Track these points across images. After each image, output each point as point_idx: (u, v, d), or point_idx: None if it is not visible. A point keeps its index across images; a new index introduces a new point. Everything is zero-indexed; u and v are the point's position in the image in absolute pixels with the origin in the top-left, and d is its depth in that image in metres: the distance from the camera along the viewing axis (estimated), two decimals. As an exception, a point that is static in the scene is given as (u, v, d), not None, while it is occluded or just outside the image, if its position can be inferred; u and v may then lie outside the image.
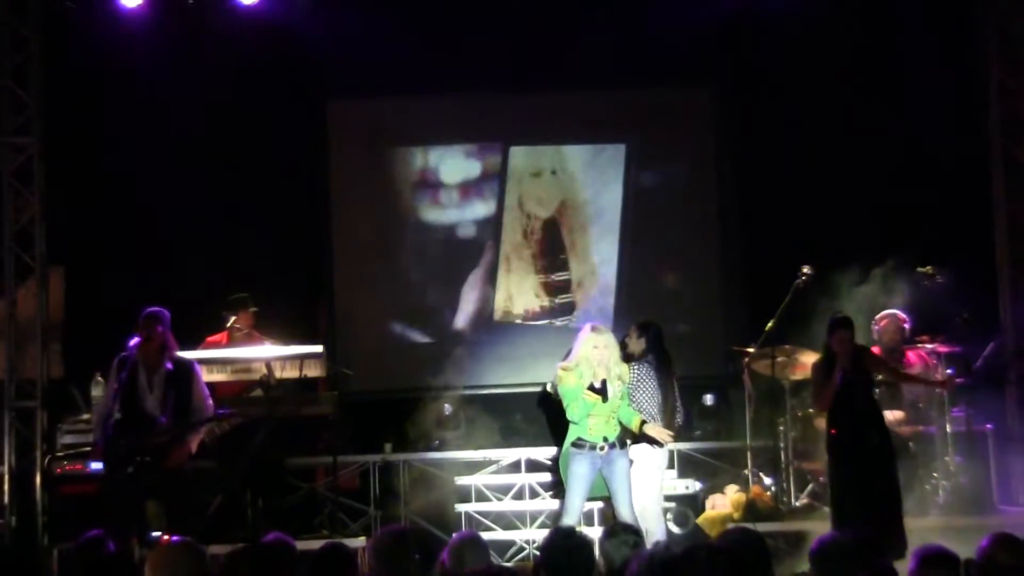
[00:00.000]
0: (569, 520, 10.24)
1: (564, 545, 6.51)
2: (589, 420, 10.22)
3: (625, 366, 10.38)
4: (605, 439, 10.23)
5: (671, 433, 10.64)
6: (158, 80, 13.93)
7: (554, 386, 11.07)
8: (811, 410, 12.24)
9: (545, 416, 12.49)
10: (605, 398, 10.07)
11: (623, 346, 11.37)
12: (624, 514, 10.21)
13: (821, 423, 11.72)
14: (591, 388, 10.12)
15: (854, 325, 11.18)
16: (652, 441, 10.58)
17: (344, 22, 13.90)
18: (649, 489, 10.89)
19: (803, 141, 14.14)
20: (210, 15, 13.41)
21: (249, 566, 5.98)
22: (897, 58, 13.60)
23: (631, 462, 10.42)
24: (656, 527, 10.66)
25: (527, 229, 15.45)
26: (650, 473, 10.92)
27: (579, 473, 10.26)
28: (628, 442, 10.37)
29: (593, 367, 10.13)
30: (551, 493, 12.72)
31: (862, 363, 11.09)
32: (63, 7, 13.01)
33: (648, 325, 11.24)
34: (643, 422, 10.36)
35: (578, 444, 10.28)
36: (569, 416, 10.28)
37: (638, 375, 10.88)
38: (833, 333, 10.94)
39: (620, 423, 10.29)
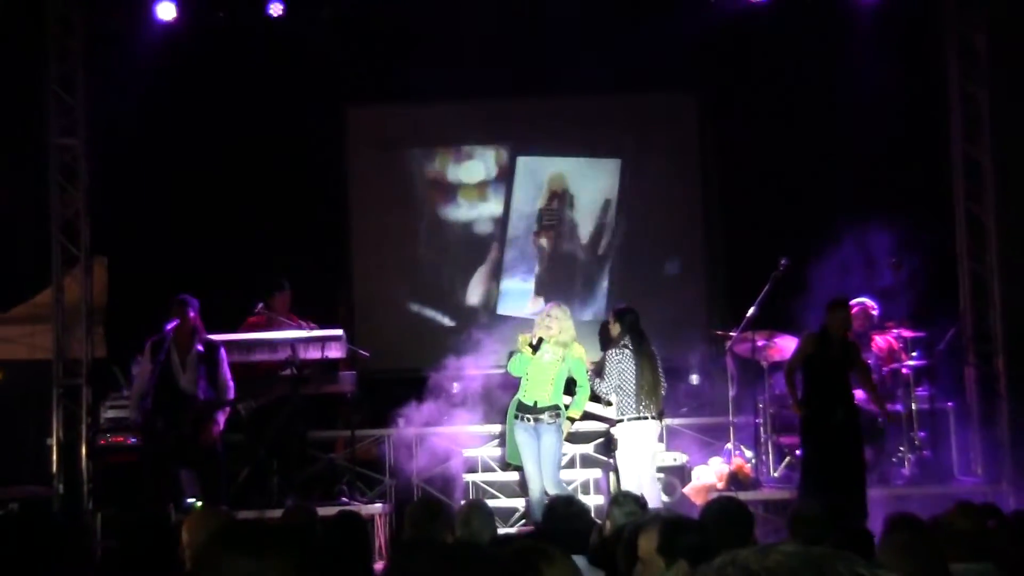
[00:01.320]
0: (534, 489, 10.41)
1: (565, 512, 6.61)
2: (525, 382, 10.47)
3: (579, 346, 10.61)
4: (536, 403, 10.40)
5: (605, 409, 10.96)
6: (191, 85, 13.89)
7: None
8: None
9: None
10: (534, 352, 10.27)
11: (605, 332, 11.53)
12: (548, 487, 10.36)
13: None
14: (529, 345, 10.33)
15: (849, 307, 11.29)
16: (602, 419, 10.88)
17: (361, 34, 13.93)
18: (645, 461, 11.02)
19: (780, 143, 14.10)
20: (239, 28, 13.42)
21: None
22: (868, 67, 13.62)
23: (562, 440, 10.69)
24: (653, 495, 10.78)
25: (530, 226, 15.48)
26: (647, 446, 11.04)
27: (521, 442, 10.48)
28: (559, 418, 10.58)
29: (537, 330, 10.39)
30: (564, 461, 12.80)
31: (849, 350, 11.18)
32: (105, 21, 13.04)
33: (624, 311, 11.32)
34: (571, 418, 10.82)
35: (516, 415, 10.50)
36: (509, 368, 10.61)
37: (619, 358, 10.99)
38: (831, 312, 11.05)
39: (560, 399, 10.54)
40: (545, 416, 10.45)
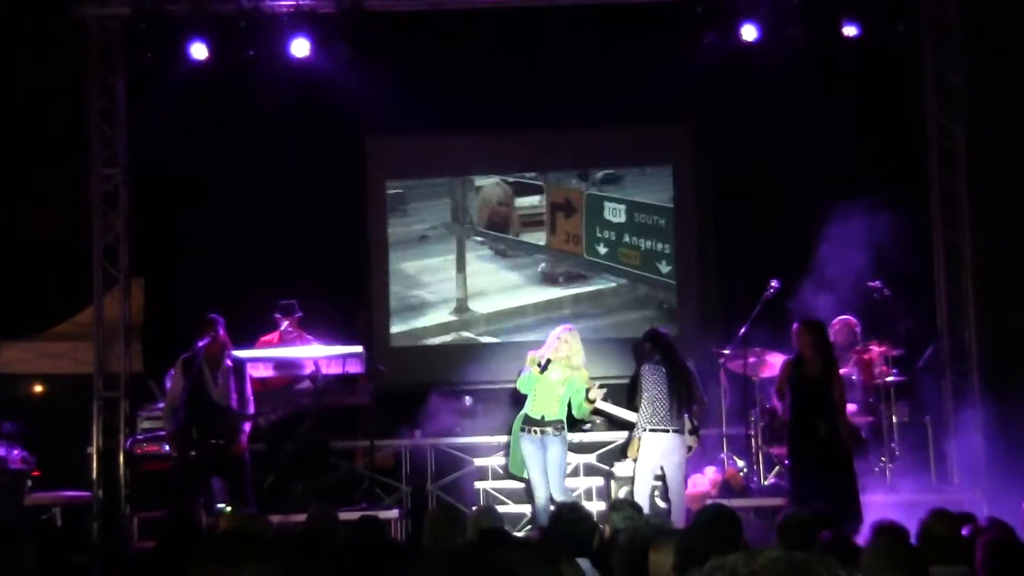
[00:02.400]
0: (540, 497, 10.41)
1: (569, 518, 6.65)
2: (533, 398, 10.47)
3: (585, 372, 10.60)
4: (543, 417, 10.43)
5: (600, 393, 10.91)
6: (222, 119, 13.94)
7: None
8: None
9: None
10: (542, 371, 10.27)
11: (640, 349, 11.53)
12: (555, 494, 10.36)
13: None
14: (537, 365, 10.36)
15: (822, 328, 11.30)
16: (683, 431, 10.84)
17: (378, 70, 13.98)
18: (670, 472, 11.00)
19: (770, 171, 14.14)
20: (266, 65, 13.47)
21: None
22: (852, 101, 13.67)
23: (566, 451, 10.70)
24: (677, 504, 10.84)
25: (539, 253, 15.56)
26: (666, 457, 11.01)
27: (527, 453, 10.47)
28: (563, 431, 10.57)
29: (547, 350, 10.42)
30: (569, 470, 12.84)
31: (830, 369, 11.20)
32: (143, 58, 13.09)
33: (654, 332, 11.34)
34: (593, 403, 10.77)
35: (523, 428, 10.49)
36: (518, 385, 10.61)
37: (652, 373, 11.00)
38: (797, 336, 11.00)
39: (565, 414, 10.52)
40: (551, 429, 10.48)
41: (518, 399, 11.31)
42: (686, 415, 10.93)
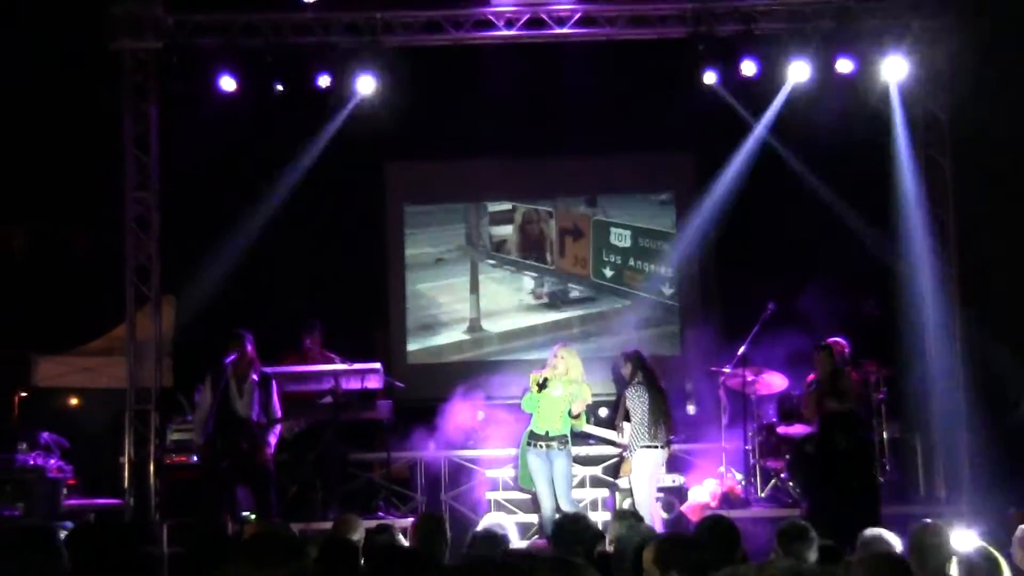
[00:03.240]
0: (546, 507, 10.45)
1: (572, 528, 6.70)
2: (537, 415, 10.48)
3: (587, 388, 10.59)
4: (547, 432, 10.46)
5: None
6: (250, 146, 14.00)
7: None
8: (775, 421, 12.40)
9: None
10: (540, 390, 10.29)
11: (617, 371, 11.63)
12: (563, 505, 10.39)
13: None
14: (536, 384, 10.37)
15: (831, 350, 11.35)
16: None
17: (397, 103, 14.04)
18: (652, 484, 11.12)
19: (769, 199, 14.23)
20: (292, 96, 13.53)
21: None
22: (842, 135, 13.70)
23: (571, 463, 10.71)
24: (655, 512, 10.91)
25: (548, 275, 15.61)
26: (655, 471, 11.14)
27: (534, 467, 10.48)
28: (568, 444, 10.58)
29: (545, 369, 10.44)
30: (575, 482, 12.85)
31: (838, 382, 11.24)
32: (175, 89, 13.15)
33: (630, 354, 11.46)
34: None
35: (529, 443, 10.51)
36: (523, 406, 10.62)
37: (635, 394, 11.11)
38: (815, 358, 11.17)
39: (568, 429, 10.52)
40: (555, 443, 10.51)
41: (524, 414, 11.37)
42: (663, 430, 11.07)
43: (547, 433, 10.50)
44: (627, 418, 11.22)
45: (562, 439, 10.54)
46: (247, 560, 3.53)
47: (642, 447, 10.98)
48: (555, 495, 10.50)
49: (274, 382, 11.45)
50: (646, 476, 11.01)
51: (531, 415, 10.64)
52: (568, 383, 10.48)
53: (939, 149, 13.24)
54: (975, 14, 12.46)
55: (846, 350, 12.33)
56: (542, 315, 15.52)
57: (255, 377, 11.27)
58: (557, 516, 9.81)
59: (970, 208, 13.14)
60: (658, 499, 11.39)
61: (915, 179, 13.26)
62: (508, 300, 15.66)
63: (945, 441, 12.75)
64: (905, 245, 13.24)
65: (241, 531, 9.16)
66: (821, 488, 11.08)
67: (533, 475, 10.57)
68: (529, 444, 10.59)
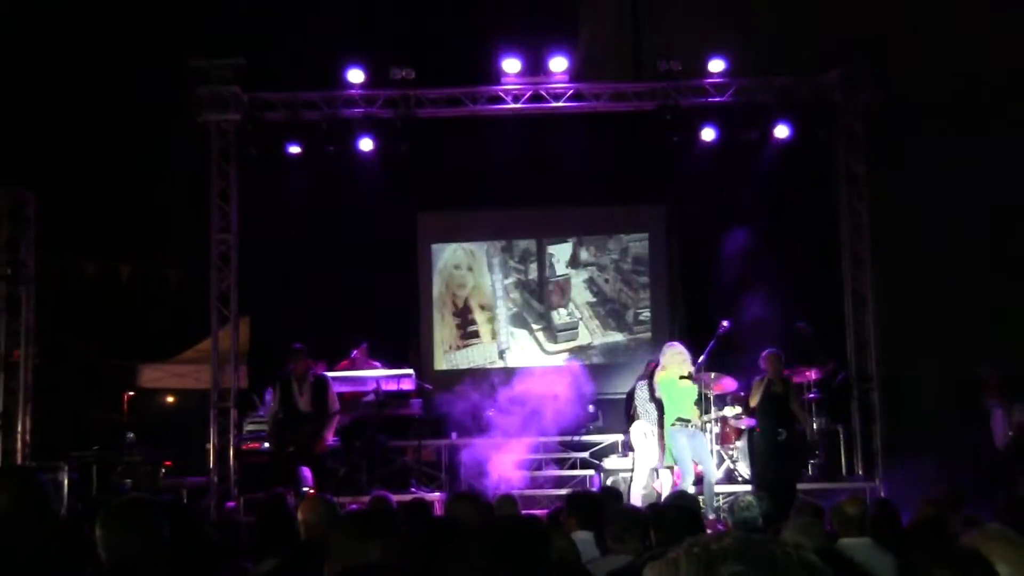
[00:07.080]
0: (688, 479, 10.17)
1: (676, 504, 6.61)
2: (689, 402, 10.26)
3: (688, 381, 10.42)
4: (689, 420, 10.29)
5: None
6: (309, 196, 14.05)
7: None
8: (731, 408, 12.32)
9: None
10: (685, 380, 10.17)
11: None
12: (710, 476, 10.28)
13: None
14: (682, 378, 10.18)
15: (780, 356, 11.31)
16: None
17: (426, 163, 14.07)
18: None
19: (723, 236, 14.27)
20: (342, 156, 13.60)
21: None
22: (785, 184, 13.71)
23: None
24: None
25: (539, 305, 15.60)
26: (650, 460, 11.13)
27: (681, 444, 10.22)
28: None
29: (679, 364, 10.24)
30: (567, 464, 12.92)
31: (788, 387, 11.21)
32: (251, 153, 13.24)
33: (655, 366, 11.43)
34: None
35: (677, 424, 10.26)
36: (673, 399, 10.32)
37: (646, 391, 11.14)
38: (768, 361, 11.11)
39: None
40: (694, 425, 10.41)
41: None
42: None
43: (688, 418, 10.34)
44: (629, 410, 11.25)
45: (698, 422, 10.44)
46: (353, 532, 3.46)
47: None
48: (706, 467, 10.42)
49: (330, 383, 11.45)
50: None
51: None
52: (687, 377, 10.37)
53: (857, 198, 13.21)
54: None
55: (782, 358, 12.30)
56: (547, 346, 15.52)
57: (311, 380, 11.29)
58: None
59: (883, 245, 13.19)
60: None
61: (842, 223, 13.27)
62: (521, 337, 15.62)
63: (863, 431, 12.72)
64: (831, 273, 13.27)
65: (299, 505, 9.12)
66: (763, 468, 11.02)
67: (679, 452, 10.27)
68: (674, 425, 10.35)
